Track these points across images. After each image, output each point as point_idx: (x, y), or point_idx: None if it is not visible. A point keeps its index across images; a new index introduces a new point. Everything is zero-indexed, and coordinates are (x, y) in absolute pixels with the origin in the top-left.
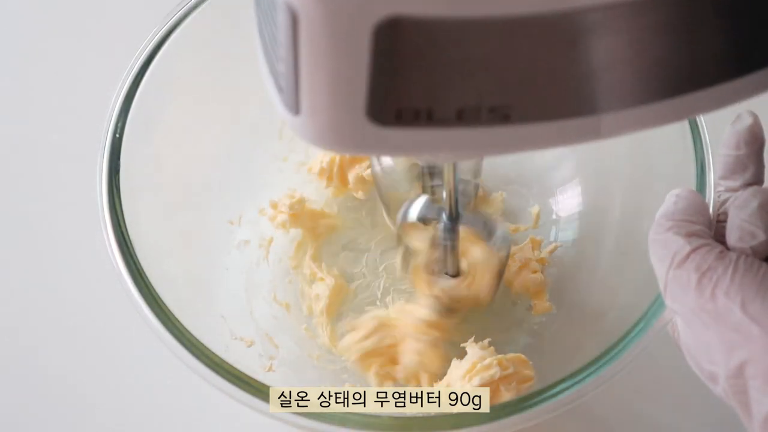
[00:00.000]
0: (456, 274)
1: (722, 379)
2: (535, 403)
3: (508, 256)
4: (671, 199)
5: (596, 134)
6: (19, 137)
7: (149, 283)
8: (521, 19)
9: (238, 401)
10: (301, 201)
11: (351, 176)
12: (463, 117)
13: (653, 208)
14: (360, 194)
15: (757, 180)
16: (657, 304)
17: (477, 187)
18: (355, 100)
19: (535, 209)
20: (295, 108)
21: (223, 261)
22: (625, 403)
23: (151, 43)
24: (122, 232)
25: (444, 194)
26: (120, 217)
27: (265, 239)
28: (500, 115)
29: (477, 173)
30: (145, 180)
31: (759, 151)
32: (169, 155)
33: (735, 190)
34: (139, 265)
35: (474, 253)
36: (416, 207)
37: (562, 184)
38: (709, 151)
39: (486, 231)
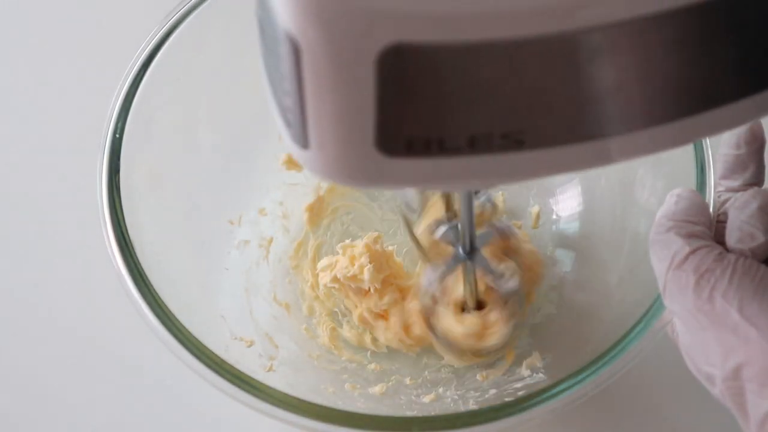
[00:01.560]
0: (475, 308)
1: (719, 380)
2: (536, 403)
3: (520, 305)
4: (672, 199)
5: (611, 157)
6: (20, 137)
7: (149, 283)
8: (527, 41)
9: (238, 401)
10: None
11: None
12: (475, 145)
13: (653, 208)
14: None
15: (758, 180)
16: (657, 304)
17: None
18: (363, 131)
19: (535, 209)
20: (304, 142)
21: (223, 261)
22: (624, 403)
23: (151, 43)
24: (122, 232)
25: (459, 227)
26: (120, 217)
27: (265, 239)
28: (513, 141)
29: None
30: (145, 180)
31: (759, 151)
32: (169, 155)
33: (735, 190)
34: (139, 265)
35: (487, 292)
36: (443, 227)
37: (562, 184)
38: (709, 151)
39: (495, 275)
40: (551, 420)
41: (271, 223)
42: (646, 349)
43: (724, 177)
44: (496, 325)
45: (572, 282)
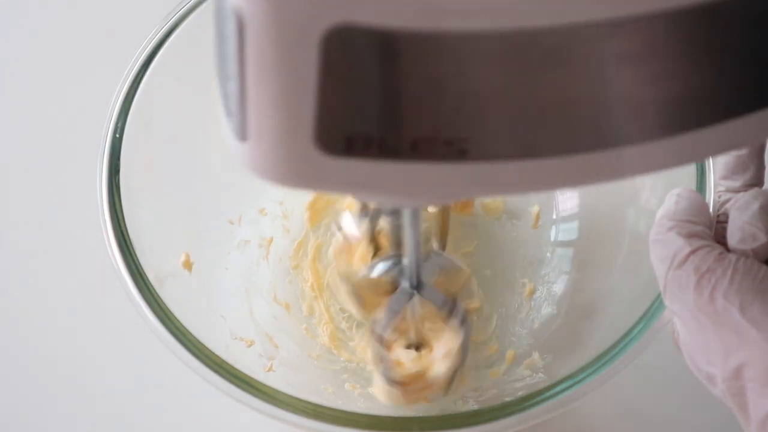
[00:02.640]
0: (417, 347)
1: (720, 380)
2: (536, 403)
3: (467, 346)
4: (672, 199)
5: (563, 181)
6: (20, 137)
7: (149, 282)
8: (482, 36)
9: (238, 401)
10: None
11: None
12: (417, 149)
13: (653, 208)
14: None
15: (758, 181)
16: (657, 304)
17: (444, 261)
18: (302, 123)
19: (535, 209)
20: (242, 133)
21: (223, 261)
22: (625, 403)
23: (152, 43)
24: (122, 232)
25: (404, 259)
26: (120, 217)
27: (265, 239)
28: (456, 149)
29: (442, 245)
30: (145, 180)
31: (760, 152)
32: (168, 155)
33: (736, 190)
34: (139, 264)
35: (432, 328)
36: (381, 265)
37: None
38: None
39: (445, 309)
40: (551, 419)
41: (271, 223)
42: (646, 349)
43: (725, 177)
44: (438, 363)
45: (572, 282)
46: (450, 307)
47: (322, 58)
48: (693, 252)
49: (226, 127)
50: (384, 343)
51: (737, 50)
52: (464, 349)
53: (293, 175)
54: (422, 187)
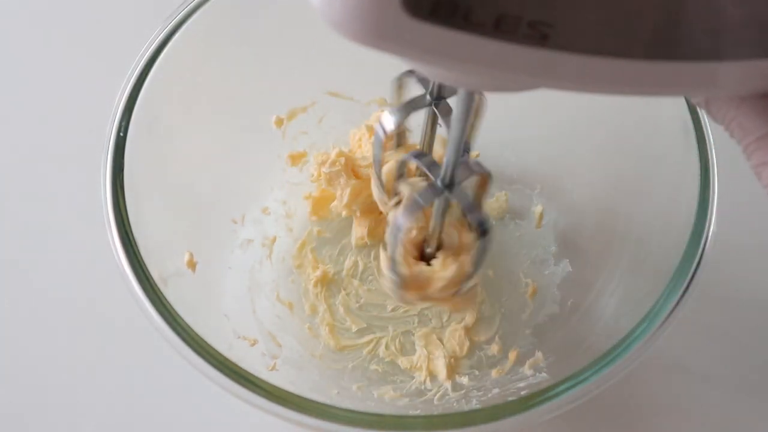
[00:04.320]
0: (435, 250)
1: None
2: (538, 403)
3: (482, 257)
4: None
5: (644, 86)
6: (24, 136)
7: (153, 282)
8: None
9: (242, 399)
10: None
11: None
12: (500, 26)
13: (655, 208)
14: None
15: None
16: (661, 304)
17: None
18: None
19: (538, 209)
20: None
21: (226, 260)
22: (626, 403)
23: (155, 43)
24: (126, 231)
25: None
26: (124, 216)
27: (269, 238)
28: (539, 33)
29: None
30: (149, 179)
31: None
32: (172, 154)
33: None
34: (143, 264)
35: (454, 234)
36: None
37: (567, 183)
38: (713, 150)
39: (471, 214)
40: (553, 419)
41: (274, 222)
42: (650, 348)
43: None
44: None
45: (575, 281)
46: (475, 215)
47: None
48: None
49: None
50: (400, 238)
51: None
52: (479, 257)
53: (373, 34)
54: (498, 67)
